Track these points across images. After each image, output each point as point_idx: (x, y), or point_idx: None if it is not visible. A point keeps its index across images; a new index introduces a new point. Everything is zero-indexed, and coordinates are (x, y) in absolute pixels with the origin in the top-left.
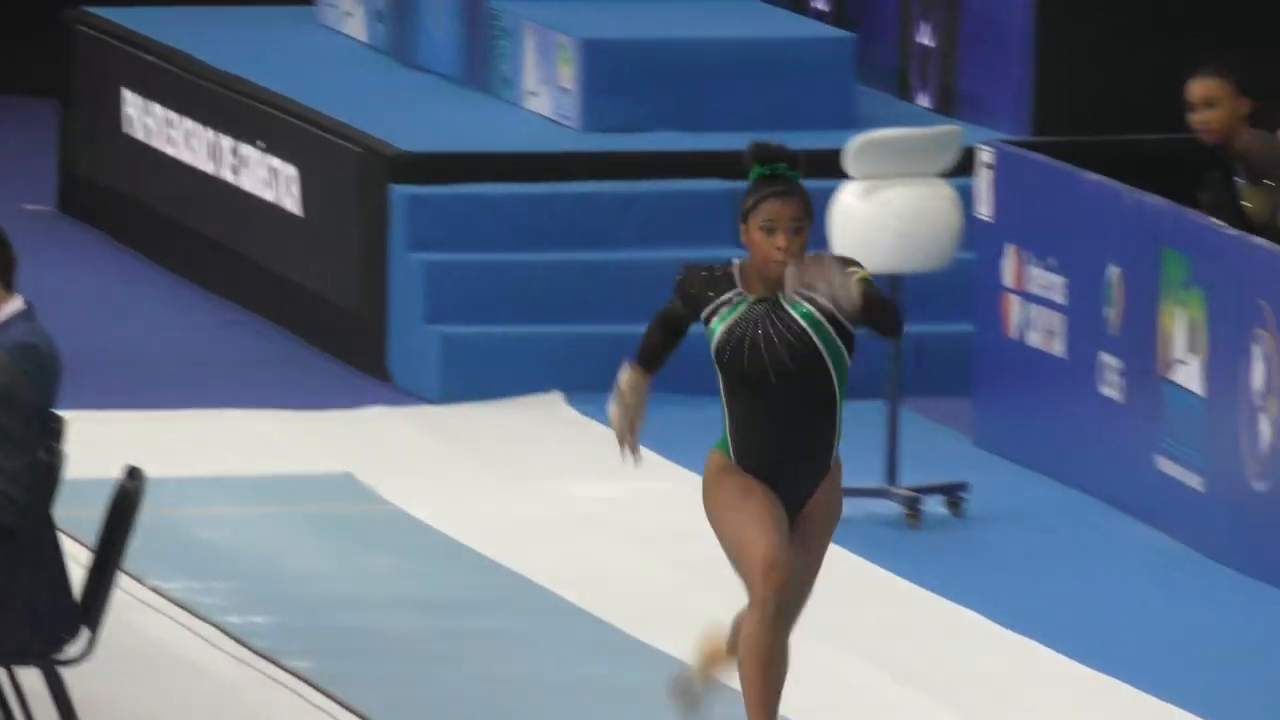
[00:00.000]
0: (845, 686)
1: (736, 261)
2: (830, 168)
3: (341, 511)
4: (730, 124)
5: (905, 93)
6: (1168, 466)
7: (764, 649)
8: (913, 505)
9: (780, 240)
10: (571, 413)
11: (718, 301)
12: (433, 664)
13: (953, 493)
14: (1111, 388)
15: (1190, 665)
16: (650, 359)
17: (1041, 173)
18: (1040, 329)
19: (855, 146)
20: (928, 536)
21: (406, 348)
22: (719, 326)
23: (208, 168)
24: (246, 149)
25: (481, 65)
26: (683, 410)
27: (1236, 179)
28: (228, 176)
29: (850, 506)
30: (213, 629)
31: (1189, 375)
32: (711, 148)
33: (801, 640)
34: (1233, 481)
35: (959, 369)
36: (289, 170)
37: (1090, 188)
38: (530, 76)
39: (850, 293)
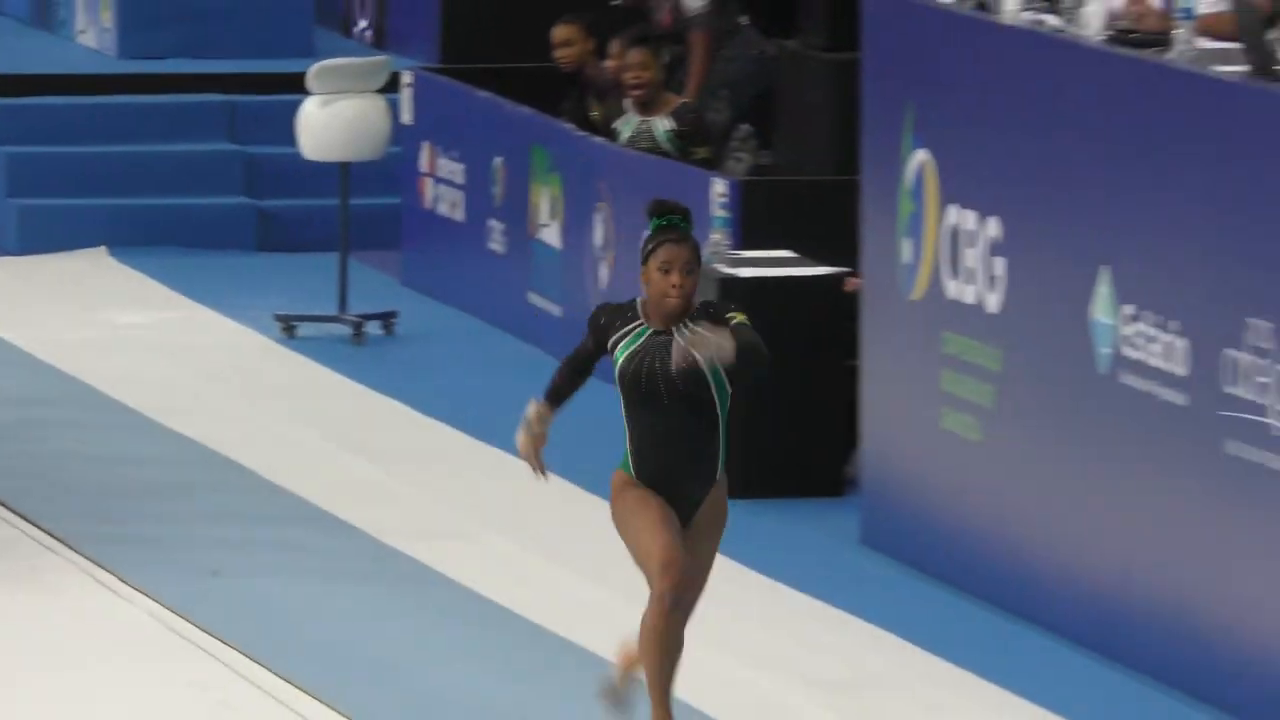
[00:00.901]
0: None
1: (639, 300)
2: (296, 85)
3: None
4: (226, 54)
5: (348, 29)
6: (536, 300)
7: (664, 637)
8: (358, 328)
9: (675, 279)
10: (113, 262)
11: (622, 331)
12: (22, 444)
13: (386, 319)
14: (497, 244)
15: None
16: (556, 396)
17: (447, 90)
18: (447, 202)
19: (314, 71)
20: (369, 350)
21: None
22: (622, 355)
23: None
24: None
25: (45, 11)
26: (196, 259)
27: (587, 97)
28: None
29: (311, 329)
30: None
31: (551, 234)
32: (213, 71)
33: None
34: (580, 303)
35: (391, 231)
36: None
37: (481, 101)
38: (81, 18)
39: (726, 356)
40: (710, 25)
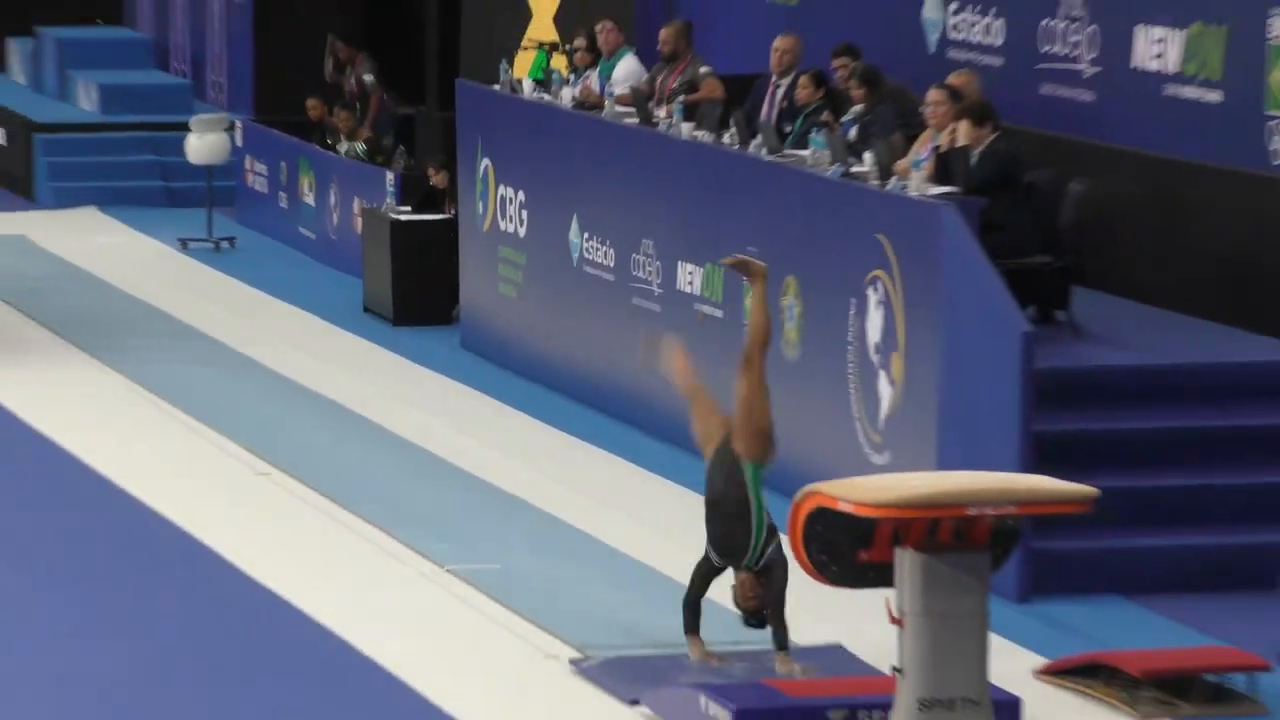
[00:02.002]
0: None
1: None
2: (184, 127)
3: None
4: (154, 112)
5: (203, 98)
6: (303, 230)
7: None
8: (218, 244)
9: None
10: (100, 214)
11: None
12: (47, 297)
13: (231, 240)
14: (283, 203)
15: None
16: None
17: (257, 130)
18: (259, 183)
19: (193, 121)
20: (223, 255)
21: None
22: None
23: None
24: None
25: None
26: (138, 212)
27: (326, 134)
28: None
29: (195, 245)
30: None
31: (310, 199)
32: (146, 121)
33: None
34: (324, 233)
35: (232, 196)
36: None
37: (274, 135)
38: (81, 93)
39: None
40: (378, 91)
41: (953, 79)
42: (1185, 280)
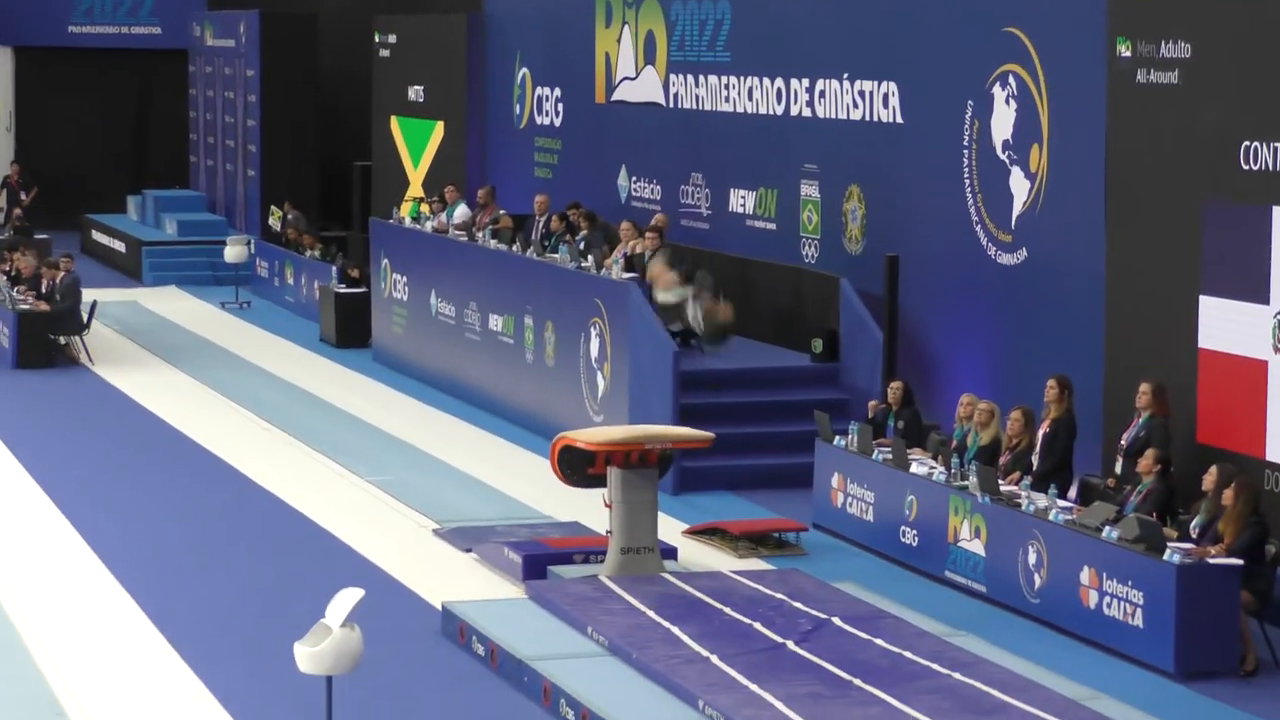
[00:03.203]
0: None
1: None
2: (222, 243)
3: None
4: (210, 236)
5: (234, 226)
6: (287, 298)
7: None
8: (242, 305)
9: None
10: (178, 290)
11: None
12: (145, 335)
13: (249, 302)
14: (275, 282)
15: None
16: None
17: (261, 244)
18: (263, 270)
19: (229, 240)
20: (246, 312)
21: None
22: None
23: None
24: None
25: None
26: (201, 289)
27: (304, 246)
28: None
29: (229, 307)
30: None
31: (290, 281)
32: (205, 239)
33: None
34: (296, 300)
35: (249, 280)
36: None
37: (271, 246)
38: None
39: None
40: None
41: (655, 219)
42: (758, 322)
